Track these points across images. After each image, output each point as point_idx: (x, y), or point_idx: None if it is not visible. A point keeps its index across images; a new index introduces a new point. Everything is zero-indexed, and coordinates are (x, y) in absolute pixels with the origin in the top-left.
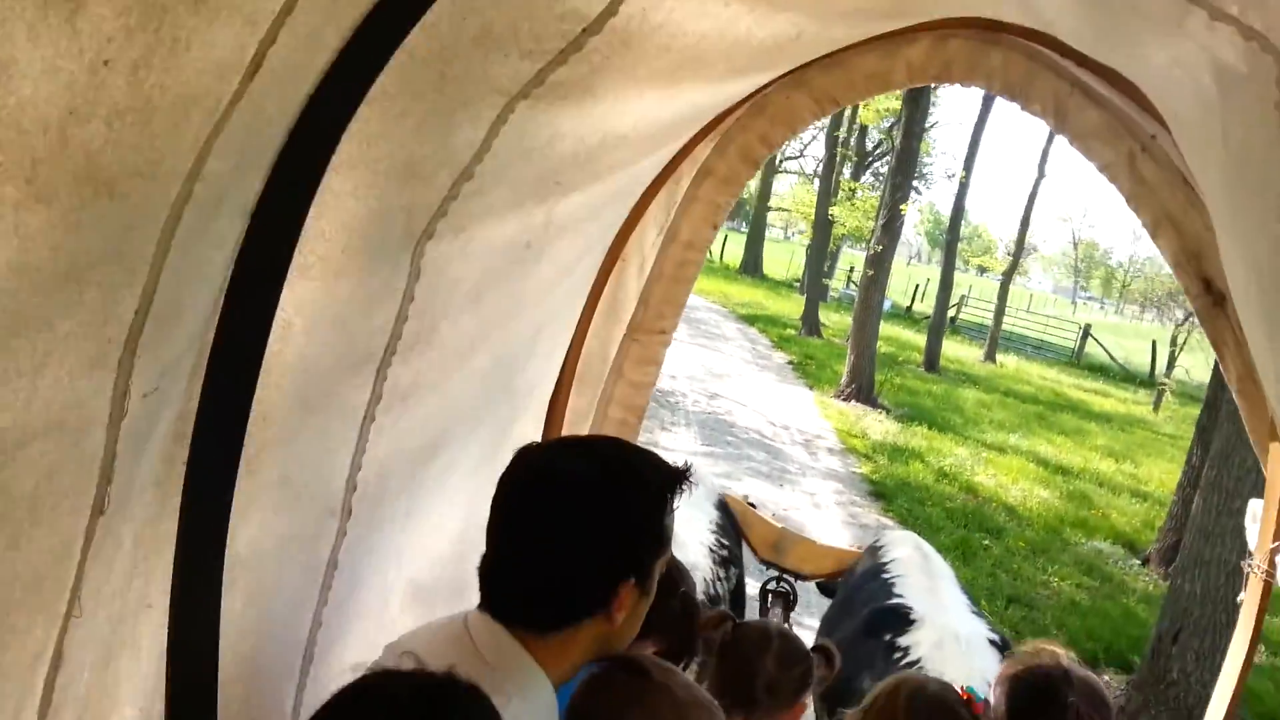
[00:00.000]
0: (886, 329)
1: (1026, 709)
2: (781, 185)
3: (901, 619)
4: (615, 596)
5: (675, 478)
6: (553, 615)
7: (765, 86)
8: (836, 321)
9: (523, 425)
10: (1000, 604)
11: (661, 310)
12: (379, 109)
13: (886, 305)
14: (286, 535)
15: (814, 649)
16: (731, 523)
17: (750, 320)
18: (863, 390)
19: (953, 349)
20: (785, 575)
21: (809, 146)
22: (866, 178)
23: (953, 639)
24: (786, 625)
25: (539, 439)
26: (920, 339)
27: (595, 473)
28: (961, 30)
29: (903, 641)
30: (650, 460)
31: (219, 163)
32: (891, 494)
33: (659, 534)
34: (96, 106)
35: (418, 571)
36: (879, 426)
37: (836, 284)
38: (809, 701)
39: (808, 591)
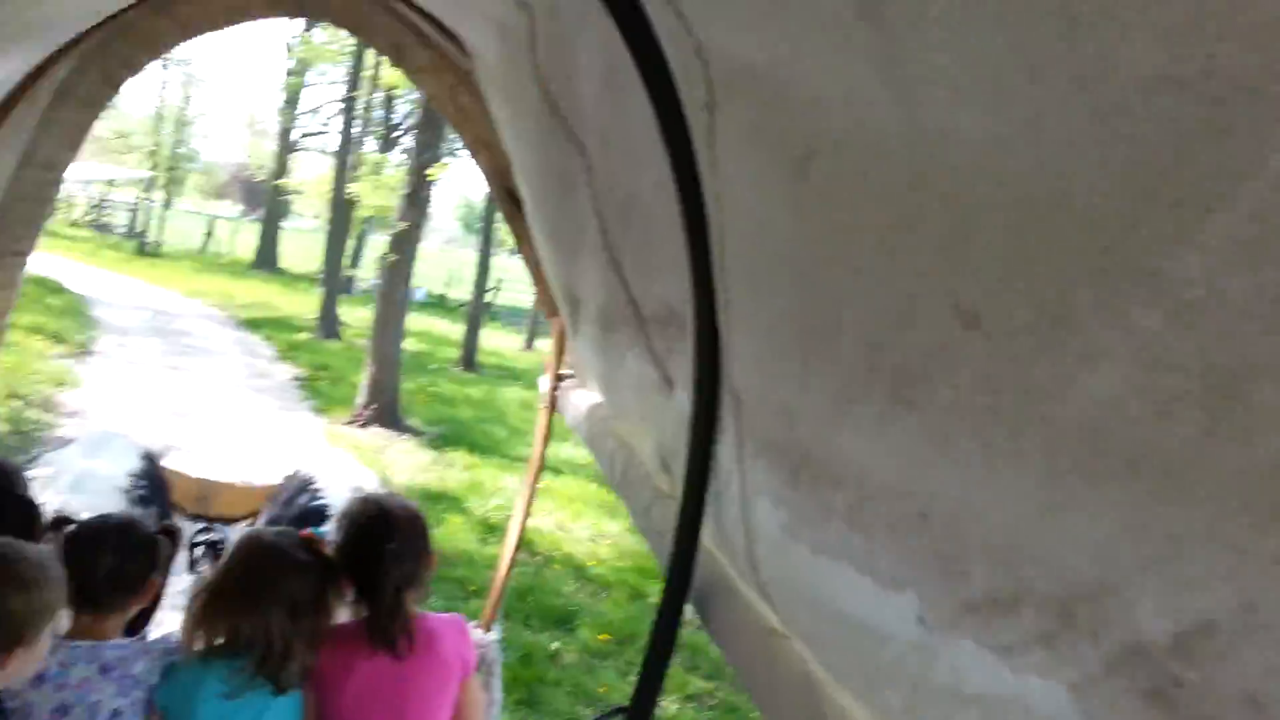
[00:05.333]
0: (420, 322)
1: (353, 526)
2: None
3: (322, 515)
4: None
5: None
6: None
7: (126, 10)
8: (362, 319)
9: None
10: None
11: (18, 233)
12: None
13: (420, 295)
14: None
15: (160, 530)
16: (159, 474)
17: (254, 326)
18: (386, 410)
19: (492, 339)
20: (214, 524)
21: (332, 120)
22: (397, 155)
23: None
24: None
25: None
26: (460, 332)
27: None
28: None
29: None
30: None
31: None
32: None
33: None
34: None
35: None
36: (406, 461)
37: (366, 275)
38: (161, 580)
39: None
